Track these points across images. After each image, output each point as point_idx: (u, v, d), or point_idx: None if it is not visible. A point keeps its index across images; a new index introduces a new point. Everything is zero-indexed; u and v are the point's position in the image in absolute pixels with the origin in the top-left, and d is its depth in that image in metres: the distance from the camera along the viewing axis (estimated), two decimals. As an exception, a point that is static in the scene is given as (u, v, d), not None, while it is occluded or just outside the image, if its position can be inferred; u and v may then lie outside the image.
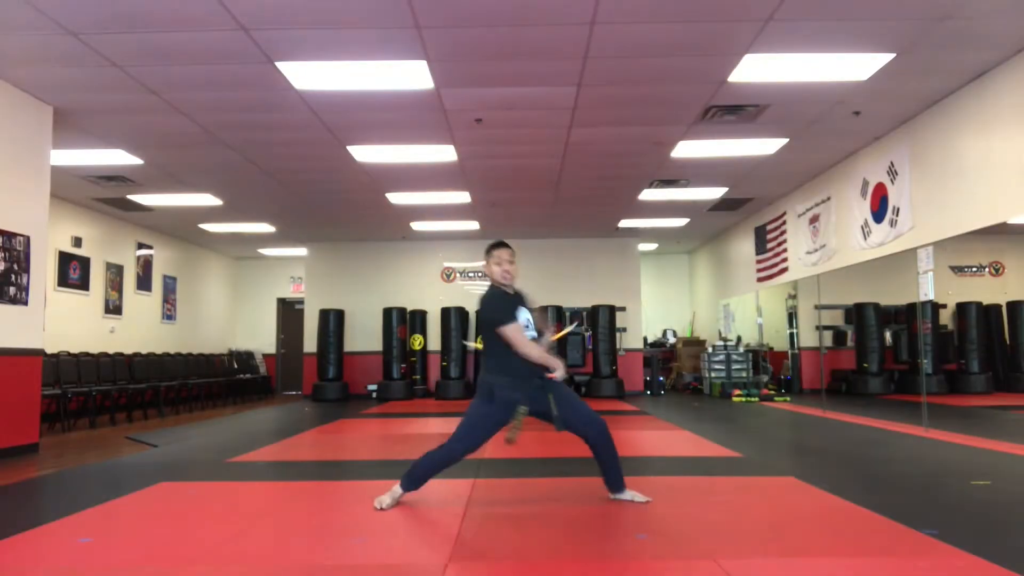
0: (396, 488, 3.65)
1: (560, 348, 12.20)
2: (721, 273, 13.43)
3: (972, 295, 11.10)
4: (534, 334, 3.64)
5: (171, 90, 5.96)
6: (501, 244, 3.74)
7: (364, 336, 13.14)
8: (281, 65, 5.48)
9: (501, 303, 3.60)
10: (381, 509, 3.55)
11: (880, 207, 7.50)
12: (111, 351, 10.07)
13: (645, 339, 13.92)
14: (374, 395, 12.53)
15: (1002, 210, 5.72)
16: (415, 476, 3.64)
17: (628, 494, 3.72)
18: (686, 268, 15.74)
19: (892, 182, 7.28)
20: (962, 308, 11.09)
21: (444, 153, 7.75)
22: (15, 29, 4.87)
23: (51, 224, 7.13)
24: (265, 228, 11.89)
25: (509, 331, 3.50)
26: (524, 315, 3.63)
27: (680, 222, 11.96)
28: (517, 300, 3.69)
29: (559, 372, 3.56)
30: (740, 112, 6.63)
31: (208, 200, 9.76)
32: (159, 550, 2.97)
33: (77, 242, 9.97)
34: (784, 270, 10.25)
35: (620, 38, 5.12)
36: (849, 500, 3.66)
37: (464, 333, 12.49)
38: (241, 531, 3.26)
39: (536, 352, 3.53)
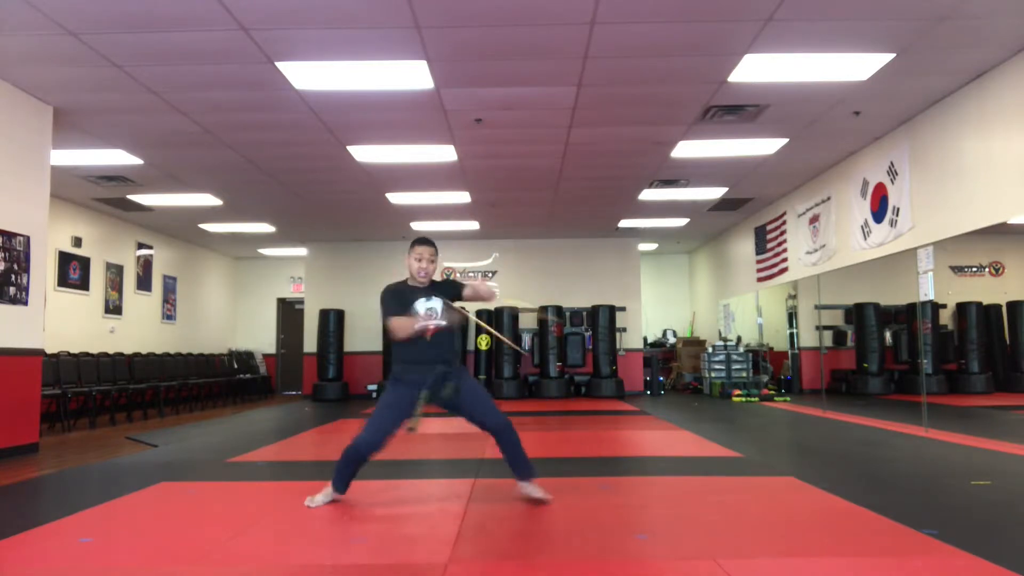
0: (328, 488, 3.75)
1: (560, 348, 12.21)
2: (721, 273, 13.43)
3: (972, 295, 11.10)
4: (439, 322, 3.71)
5: (171, 90, 5.96)
6: (424, 241, 3.82)
7: (364, 336, 13.14)
8: (281, 65, 5.48)
9: (389, 300, 3.70)
10: (312, 507, 3.66)
11: (880, 207, 7.50)
12: (111, 351, 10.07)
13: (645, 339, 13.92)
14: (374, 395, 12.53)
15: (1002, 210, 5.72)
16: (336, 476, 3.74)
17: (531, 488, 3.74)
18: (686, 268, 15.74)
19: (892, 182, 7.28)
20: (962, 308, 11.09)
21: (444, 153, 7.75)
22: (15, 29, 4.87)
23: (51, 224, 7.14)
24: (265, 228, 11.89)
25: (389, 324, 3.62)
26: (424, 305, 3.71)
27: (680, 222, 11.95)
28: (417, 293, 3.74)
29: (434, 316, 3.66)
30: (740, 112, 6.63)
31: (208, 200, 9.76)
32: (159, 550, 2.97)
33: (77, 242, 9.97)
34: (784, 270, 10.25)
35: (620, 38, 5.12)
36: (849, 500, 3.66)
37: (464, 333, 12.49)
38: (241, 531, 3.26)
39: (403, 330, 3.59)
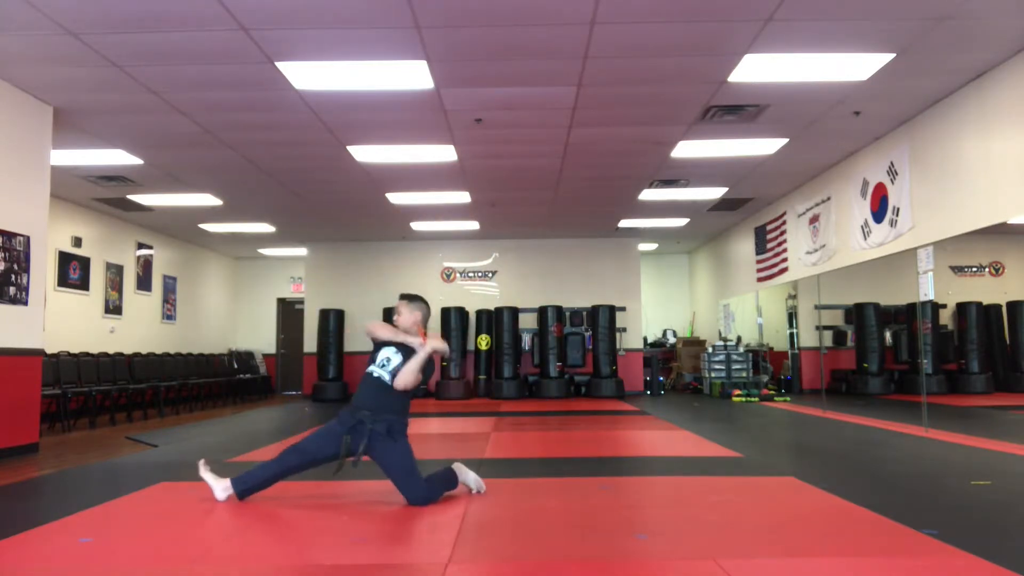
0: (227, 482, 3.77)
1: (560, 348, 12.21)
2: (721, 273, 13.43)
3: (972, 295, 11.09)
4: (385, 375, 3.84)
5: (171, 90, 5.96)
6: (405, 297, 4.14)
7: (364, 336, 13.02)
8: (281, 65, 5.48)
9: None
10: (203, 479, 3.75)
11: (880, 207, 7.50)
12: (111, 351, 10.06)
13: (645, 339, 13.92)
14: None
15: (1002, 210, 5.72)
16: (247, 481, 3.77)
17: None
18: (686, 268, 15.74)
19: (892, 182, 7.28)
20: (962, 308, 11.08)
21: (444, 153, 7.75)
22: (15, 29, 4.87)
23: (51, 224, 7.13)
24: (265, 228, 11.89)
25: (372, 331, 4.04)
26: (384, 353, 3.92)
27: (680, 222, 11.96)
28: (390, 341, 3.95)
29: (431, 346, 3.84)
30: (740, 112, 6.63)
31: (208, 200, 9.76)
32: (159, 550, 2.97)
33: (77, 242, 9.97)
34: (784, 270, 10.25)
35: (620, 38, 5.12)
36: (849, 500, 3.65)
37: (464, 333, 12.49)
38: (241, 531, 3.26)
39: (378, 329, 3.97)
